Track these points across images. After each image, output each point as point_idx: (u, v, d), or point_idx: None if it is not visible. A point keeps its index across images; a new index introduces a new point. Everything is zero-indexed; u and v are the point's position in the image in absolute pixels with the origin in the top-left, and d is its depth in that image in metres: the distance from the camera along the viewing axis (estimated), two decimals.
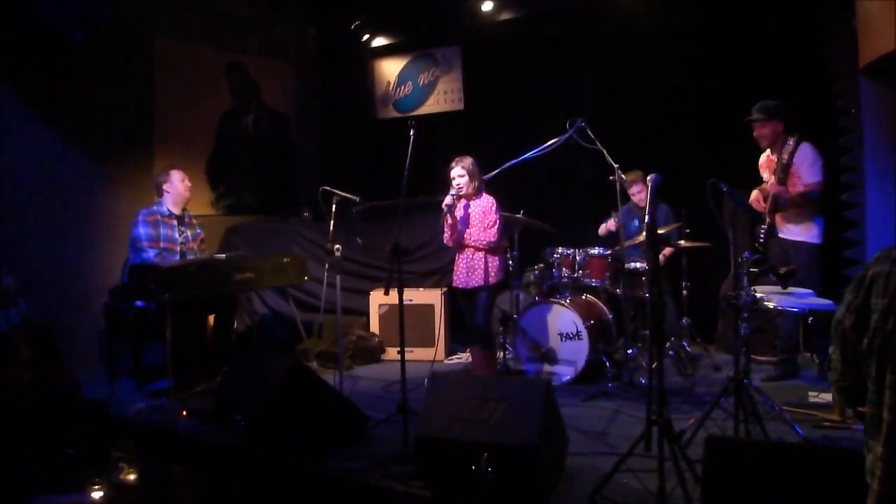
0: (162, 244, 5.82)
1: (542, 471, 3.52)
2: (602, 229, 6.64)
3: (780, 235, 5.44)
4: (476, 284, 5.34)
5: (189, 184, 6.09)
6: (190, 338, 5.85)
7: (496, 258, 5.40)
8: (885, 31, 4.59)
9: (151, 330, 5.55)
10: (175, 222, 5.97)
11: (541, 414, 3.59)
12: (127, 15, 6.79)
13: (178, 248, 5.94)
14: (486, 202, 5.40)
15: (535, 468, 3.46)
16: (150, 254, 5.73)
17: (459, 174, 5.36)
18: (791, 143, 5.29)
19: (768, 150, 5.60)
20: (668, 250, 6.33)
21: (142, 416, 5.13)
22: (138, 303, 5.49)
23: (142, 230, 5.77)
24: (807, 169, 5.29)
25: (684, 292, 6.40)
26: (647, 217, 3.65)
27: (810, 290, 4.44)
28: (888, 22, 4.56)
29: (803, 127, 5.35)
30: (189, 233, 6.08)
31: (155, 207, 5.93)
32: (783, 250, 5.40)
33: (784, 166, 5.30)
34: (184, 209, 6.09)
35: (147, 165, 7.18)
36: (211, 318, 6.20)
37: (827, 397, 4.99)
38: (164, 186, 5.95)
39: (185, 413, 4.94)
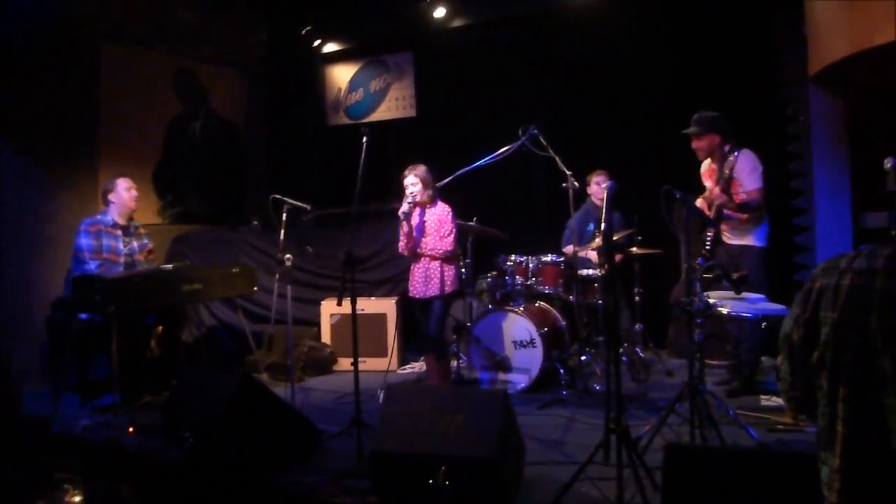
0: (104, 255, 5.66)
1: (502, 483, 3.47)
2: (569, 249, 6.57)
3: (726, 241, 5.44)
4: (433, 294, 5.30)
5: (135, 193, 5.93)
6: (136, 351, 5.69)
7: (452, 267, 5.37)
8: (835, 40, 4.67)
9: (96, 343, 5.37)
10: (119, 233, 5.81)
11: (499, 425, 3.54)
12: (72, 17, 6.60)
13: (121, 259, 5.78)
14: (442, 211, 5.36)
15: (494, 481, 3.42)
16: (92, 265, 5.57)
17: (412, 182, 5.31)
18: (732, 157, 5.29)
19: (709, 160, 5.62)
20: (618, 256, 6.34)
21: (88, 432, 4.96)
22: (82, 315, 5.31)
23: (83, 241, 5.61)
24: (746, 177, 5.28)
25: (637, 298, 6.43)
26: (603, 225, 3.64)
27: (762, 296, 4.47)
28: (838, 30, 4.64)
29: (752, 134, 5.39)
30: (135, 243, 5.93)
31: (99, 217, 5.78)
32: (730, 256, 5.42)
33: (726, 179, 5.33)
34: (130, 219, 5.93)
35: (92, 172, 6.99)
36: (158, 330, 6.03)
37: (778, 401, 5.05)
38: (110, 196, 5.80)
39: (131, 429, 4.80)
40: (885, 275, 1.56)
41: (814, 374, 1.68)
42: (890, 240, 1.77)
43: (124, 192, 5.81)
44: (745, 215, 5.35)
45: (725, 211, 5.34)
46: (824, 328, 1.62)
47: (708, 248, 5.29)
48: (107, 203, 5.82)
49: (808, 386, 1.76)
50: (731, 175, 5.28)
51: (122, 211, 5.82)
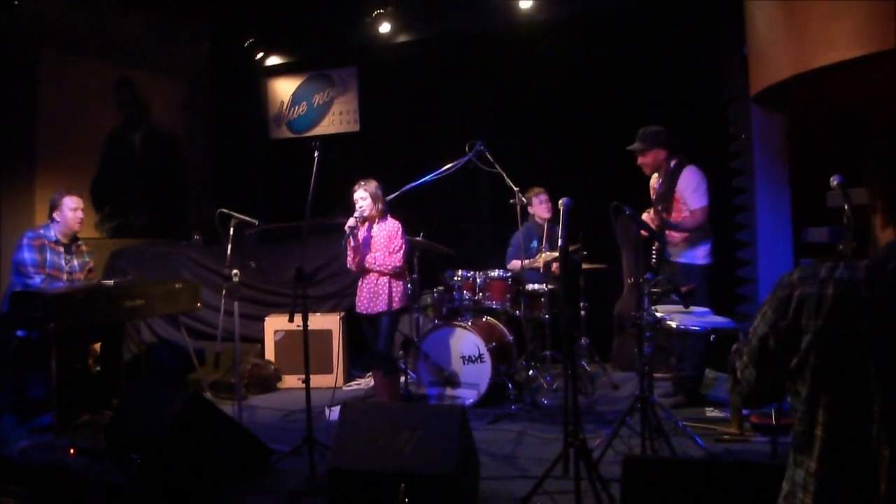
0: (48, 270, 5.47)
1: (461, 499, 3.46)
2: (514, 265, 6.62)
3: (669, 258, 5.49)
4: (380, 310, 5.26)
5: (81, 214, 5.67)
6: (75, 369, 5.51)
7: (400, 283, 5.35)
8: (777, 61, 4.83)
9: (34, 361, 5.18)
10: (62, 249, 5.62)
11: (457, 441, 3.53)
12: (10, 24, 6.39)
13: (63, 276, 5.59)
14: (392, 226, 5.33)
15: (453, 497, 3.39)
16: (37, 280, 5.37)
17: (362, 197, 5.28)
18: (662, 173, 5.38)
19: (657, 173, 5.70)
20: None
21: (25, 455, 4.76)
22: (19, 332, 5.12)
23: (27, 255, 5.41)
24: (690, 195, 5.32)
25: (582, 312, 6.51)
26: (560, 241, 3.68)
27: (708, 309, 4.57)
28: (779, 52, 4.80)
29: (696, 151, 5.49)
30: (76, 262, 5.73)
31: (42, 231, 5.56)
32: (673, 272, 5.48)
33: (663, 194, 5.42)
34: (74, 237, 5.73)
35: (28, 184, 6.78)
36: (96, 348, 5.85)
37: (723, 412, 5.16)
38: (55, 214, 5.58)
39: (73, 451, 4.62)
40: (868, 285, 1.62)
41: (791, 380, 1.73)
42: (840, 254, 1.84)
43: (69, 211, 5.58)
44: (680, 234, 5.43)
45: (665, 235, 5.42)
46: (807, 335, 1.66)
47: (653, 262, 5.37)
48: (52, 219, 5.61)
49: (767, 388, 1.82)
50: (671, 188, 5.37)
51: (64, 231, 5.61)
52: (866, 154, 1.77)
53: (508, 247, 6.72)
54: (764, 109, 5.49)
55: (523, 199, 5.97)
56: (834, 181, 3.44)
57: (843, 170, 3.20)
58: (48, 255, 5.50)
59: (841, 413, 1.64)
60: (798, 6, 4.58)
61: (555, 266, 6.14)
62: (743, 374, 1.83)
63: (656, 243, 5.34)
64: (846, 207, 3.13)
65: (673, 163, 5.44)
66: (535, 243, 6.61)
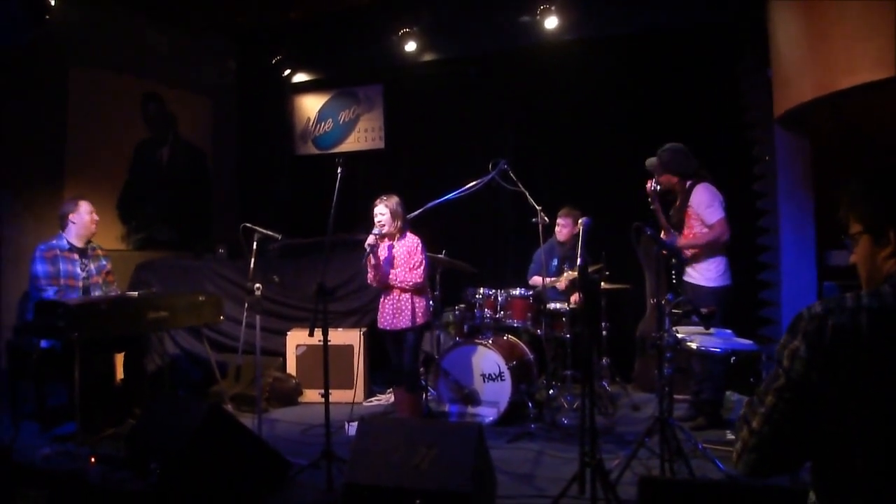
0: (62, 281, 5.53)
1: None
2: (536, 280, 6.63)
3: (685, 279, 5.49)
4: (403, 326, 5.27)
5: (97, 217, 5.81)
6: (98, 379, 5.56)
7: (422, 299, 5.36)
8: (800, 83, 4.82)
9: (57, 370, 5.25)
10: (76, 256, 5.68)
11: (473, 459, 3.53)
12: (41, 40, 6.52)
13: (79, 284, 5.65)
14: (412, 243, 5.35)
15: None
16: (49, 292, 5.43)
17: (382, 212, 5.29)
18: (686, 187, 5.37)
19: None
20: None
21: (49, 462, 4.81)
22: (44, 342, 5.19)
23: (39, 267, 5.48)
24: (705, 210, 5.33)
25: (604, 332, 6.48)
26: (579, 260, 3.69)
27: (730, 331, 4.53)
28: (802, 74, 4.79)
29: (719, 172, 5.46)
30: (93, 266, 5.80)
31: (54, 242, 5.63)
32: (689, 292, 5.46)
33: (676, 212, 5.38)
34: (88, 241, 5.81)
35: (57, 196, 6.87)
36: (119, 358, 5.92)
37: None
38: (71, 216, 5.65)
39: (93, 460, 4.67)
40: None
41: (828, 420, 1.64)
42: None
43: (86, 214, 5.69)
44: (692, 250, 5.42)
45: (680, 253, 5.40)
46: (847, 368, 1.59)
47: (673, 282, 5.33)
48: (65, 226, 5.67)
49: (796, 443, 1.71)
50: (682, 207, 5.36)
51: (81, 233, 5.70)
52: (868, 182, 1.72)
53: (531, 263, 6.73)
54: (788, 132, 5.47)
55: (545, 217, 5.98)
56: None
57: None
58: (61, 266, 5.57)
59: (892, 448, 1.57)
60: (822, 29, 4.58)
61: (574, 297, 6.11)
62: (774, 416, 1.65)
63: (674, 260, 5.31)
64: None
65: (688, 184, 5.44)
66: (555, 261, 6.61)
